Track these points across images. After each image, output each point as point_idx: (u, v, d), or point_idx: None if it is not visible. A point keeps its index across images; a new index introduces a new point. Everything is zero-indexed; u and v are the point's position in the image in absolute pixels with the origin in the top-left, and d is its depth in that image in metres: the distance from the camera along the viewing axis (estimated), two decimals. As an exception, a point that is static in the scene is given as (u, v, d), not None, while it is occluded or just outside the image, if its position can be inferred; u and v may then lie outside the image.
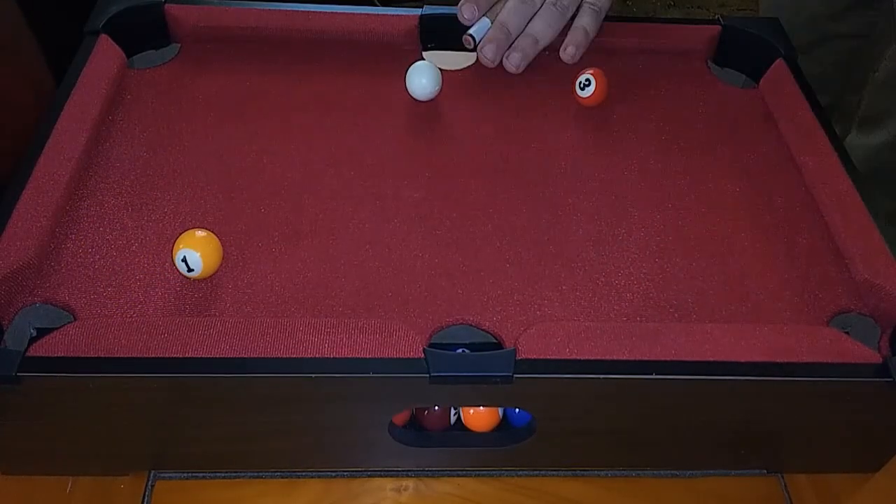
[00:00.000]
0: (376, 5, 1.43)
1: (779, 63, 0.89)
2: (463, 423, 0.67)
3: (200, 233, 0.65)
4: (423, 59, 0.85)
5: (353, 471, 0.69)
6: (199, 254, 0.64)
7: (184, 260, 0.64)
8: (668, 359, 0.60)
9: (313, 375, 0.58)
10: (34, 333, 0.62)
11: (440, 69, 0.83)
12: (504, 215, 0.75)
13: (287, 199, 0.74)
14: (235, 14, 0.89)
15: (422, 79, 0.83)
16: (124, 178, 0.74)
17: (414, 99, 0.85)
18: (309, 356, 0.58)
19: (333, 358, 0.59)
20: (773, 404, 0.63)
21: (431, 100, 0.86)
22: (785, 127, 0.84)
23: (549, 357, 0.60)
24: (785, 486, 0.71)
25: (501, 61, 0.88)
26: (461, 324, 0.66)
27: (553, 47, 0.92)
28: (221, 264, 0.67)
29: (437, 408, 0.67)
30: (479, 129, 0.84)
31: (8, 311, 0.62)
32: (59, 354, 0.57)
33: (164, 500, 0.66)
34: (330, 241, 0.71)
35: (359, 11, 0.91)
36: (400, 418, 0.66)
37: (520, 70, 0.88)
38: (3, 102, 1.20)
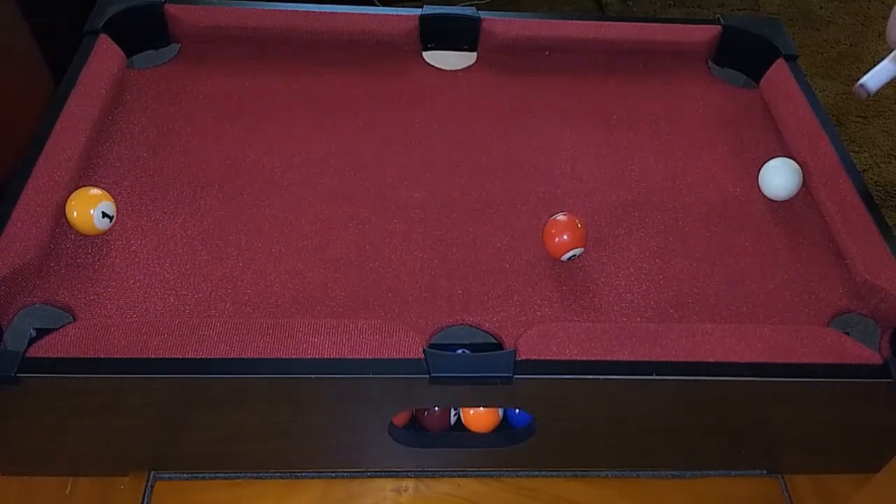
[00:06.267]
0: (376, 5, 1.43)
1: (779, 63, 0.89)
2: (463, 424, 0.67)
3: (94, 190, 0.68)
4: (423, 59, 0.84)
5: (353, 471, 0.69)
6: (110, 202, 0.67)
7: (104, 215, 0.67)
8: (668, 359, 0.60)
9: (313, 376, 0.57)
10: (34, 334, 0.62)
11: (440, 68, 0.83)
12: (504, 215, 0.75)
13: (287, 199, 0.74)
14: (235, 14, 0.89)
15: None
16: (124, 178, 0.74)
17: None
18: (309, 357, 0.58)
19: (333, 359, 0.58)
20: (774, 405, 0.63)
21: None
22: (785, 127, 0.84)
23: (549, 358, 0.59)
24: (785, 486, 0.71)
25: None
26: (461, 324, 0.66)
27: (552, 48, 0.92)
28: (219, 263, 0.68)
29: (437, 408, 0.67)
30: (478, 129, 0.84)
31: (8, 312, 0.62)
32: (59, 355, 0.57)
33: (163, 501, 0.66)
34: (330, 241, 0.71)
35: (359, 11, 0.91)
36: (400, 419, 0.66)
37: None
38: (3, 102, 1.20)
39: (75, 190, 0.68)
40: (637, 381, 0.59)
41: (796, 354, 0.61)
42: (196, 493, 0.67)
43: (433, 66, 0.91)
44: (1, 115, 1.19)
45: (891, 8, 1.10)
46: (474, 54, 0.92)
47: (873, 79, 0.69)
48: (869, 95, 0.70)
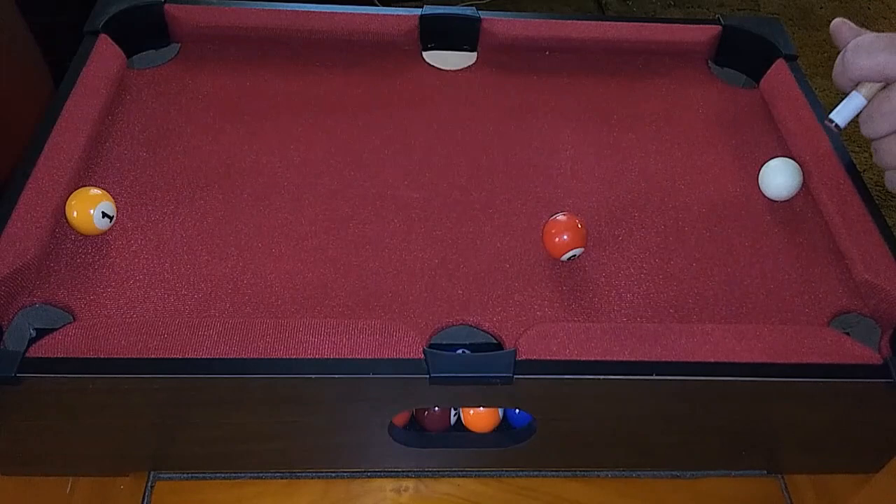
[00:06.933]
0: (376, 5, 1.43)
1: (779, 63, 0.89)
2: (463, 424, 0.67)
3: (94, 190, 0.68)
4: (423, 59, 0.84)
5: (353, 471, 0.69)
6: (110, 202, 0.67)
7: (104, 215, 0.67)
8: (668, 359, 0.60)
9: (313, 377, 0.58)
10: (34, 334, 0.62)
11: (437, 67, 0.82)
12: (504, 215, 0.75)
13: (287, 199, 0.74)
14: (235, 14, 0.89)
15: None
16: (124, 178, 0.74)
17: None
18: (309, 357, 0.58)
19: (333, 359, 0.59)
20: (774, 405, 0.63)
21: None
22: (785, 127, 0.84)
23: (549, 358, 0.60)
24: (785, 486, 0.71)
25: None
26: (461, 324, 0.66)
27: (552, 48, 0.92)
28: (219, 263, 0.68)
29: (437, 408, 0.67)
30: (478, 129, 0.84)
31: (8, 312, 0.62)
32: (59, 355, 0.57)
33: (163, 500, 0.66)
34: (330, 241, 0.71)
35: (359, 11, 0.91)
36: (400, 419, 0.66)
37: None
38: (3, 102, 1.20)
39: (75, 190, 0.68)
40: (637, 381, 0.59)
41: (796, 354, 0.61)
42: (196, 493, 0.67)
43: (433, 66, 0.91)
44: (1, 115, 1.19)
45: (891, 8, 1.09)
46: (474, 54, 0.92)
47: (841, 113, 0.67)
48: (839, 129, 0.68)
